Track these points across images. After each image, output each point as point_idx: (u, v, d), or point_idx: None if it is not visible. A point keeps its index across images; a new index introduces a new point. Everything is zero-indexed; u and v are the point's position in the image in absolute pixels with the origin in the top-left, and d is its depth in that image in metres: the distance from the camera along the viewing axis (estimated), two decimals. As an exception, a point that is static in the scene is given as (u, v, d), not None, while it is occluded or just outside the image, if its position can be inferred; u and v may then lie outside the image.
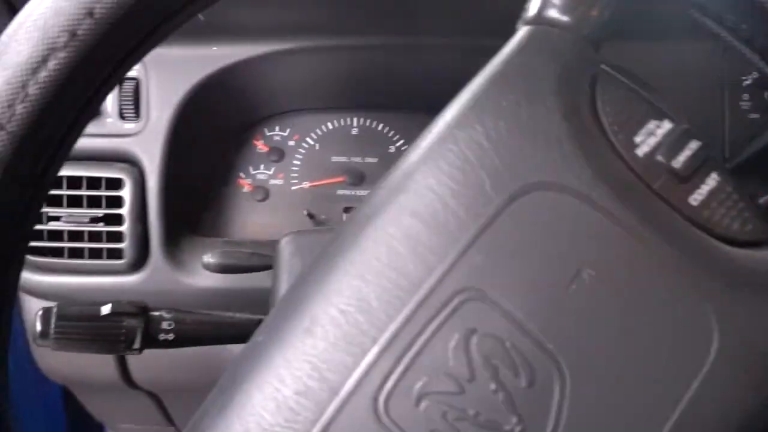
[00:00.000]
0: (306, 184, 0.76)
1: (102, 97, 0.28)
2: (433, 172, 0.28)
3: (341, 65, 0.72)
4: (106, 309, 0.39)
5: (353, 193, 0.76)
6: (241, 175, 0.76)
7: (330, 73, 0.74)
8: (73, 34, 0.25)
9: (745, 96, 0.62)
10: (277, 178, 0.77)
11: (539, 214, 0.27)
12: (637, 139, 0.29)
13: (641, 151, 0.29)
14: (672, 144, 0.29)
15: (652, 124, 0.29)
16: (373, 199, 0.30)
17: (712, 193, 0.28)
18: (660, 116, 0.29)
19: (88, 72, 0.26)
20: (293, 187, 0.76)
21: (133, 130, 0.64)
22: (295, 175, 0.77)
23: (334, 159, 0.77)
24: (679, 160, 0.28)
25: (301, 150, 0.77)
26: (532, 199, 0.27)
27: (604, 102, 0.29)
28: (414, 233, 0.27)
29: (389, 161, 0.78)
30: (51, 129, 0.26)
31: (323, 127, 0.78)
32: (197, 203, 0.72)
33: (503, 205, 0.27)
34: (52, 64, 0.25)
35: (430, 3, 0.62)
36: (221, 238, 0.70)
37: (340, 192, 0.76)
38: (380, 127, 0.78)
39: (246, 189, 0.76)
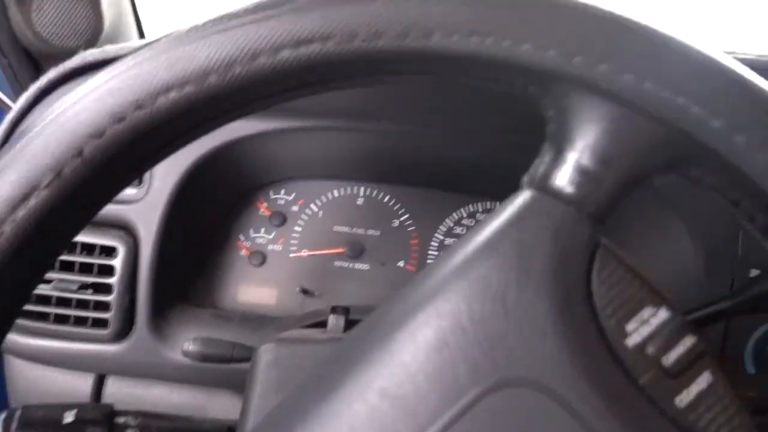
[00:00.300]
0: (305, 252, 0.75)
1: (82, 225, 0.27)
2: (408, 347, 0.27)
3: (354, 143, 0.72)
4: (69, 416, 0.38)
5: (351, 266, 0.75)
6: (241, 237, 0.75)
7: (341, 148, 0.73)
8: (58, 174, 0.24)
9: None
10: (277, 243, 0.75)
11: (513, 412, 0.25)
12: (629, 327, 0.27)
13: (632, 341, 0.27)
14: (666, 336, 0.27)
15: (647, 312, 0.28)
16: (343, 358, 0.28)
17: (701, 396, 0.27)
18: (657, 303, 0.28)
19: (68, 208, 0.25)
20: (291, 254, 0.75)
21: (134, 196, 0.63)
22: (295, 241, 0.76)
23: (336, 228, 0.76)
24: (671, 357, 0.27)
25: (304, 216, 0.76)
26: (507, 396, 0.25)
27: (600, 282, 0.28)
28: (379, 416, 0.26)
29: (391, 235, 0.77)
30: (22, 265, 0.25)
31: (329, 194, 0.77)
32: (191, 269, 0.71)
33: (476, 398, 0.25)
34: (32, 202, 0.24)
35: (447, 101, 0.61)
36: (210, 309, 0.69)
37: (338, 264, 0.75)
38: (386, 198, 0.77)
39: (243, 253, 0.75)
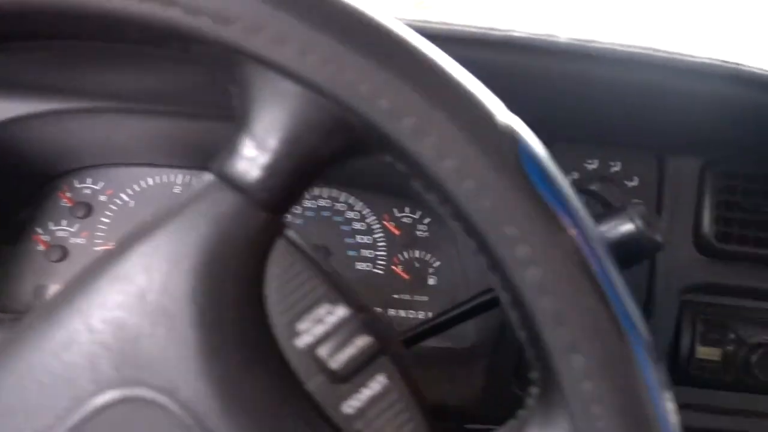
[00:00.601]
0: (112, 245, 0.69)
1: None
2: (26, 352, 0.23)
3: (167, 128, 0.66)
4: None
5: (165, 258, 0.70)
6: (38, 230, 0.69)
7: (153, 133, 0.68)
8: None
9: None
10: (80, 236, 0.69)
11: (136, 428, 0.22)
12: (302, 326, 0.25)
13: (302, 342, 0.25)
14: (339, 337, 0.25)
15: (322, 310, 0.25)
16: None
17: (372, 401, 0.24)
18: (335, 300, 0.25)
19: None
20: (96, 248, 0.69)
21: None
22: (102, 234, 0.70)
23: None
24: (340, 358, 0.24)
25: (112, 206, 0.70)
26: (131, 408, 0.22)
27: (275, 277, 0.25)
28: None
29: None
30: None
31: (142, 182, 0.72)
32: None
33: (95, 411, 0.22)
34: None
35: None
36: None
37: (151, 257, 0.70)
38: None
39: (41, 247, 0.68)
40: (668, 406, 0.23)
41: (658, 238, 0.41)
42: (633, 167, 0.61)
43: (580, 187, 0.60)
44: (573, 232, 0.22)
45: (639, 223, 0.40)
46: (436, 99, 0.22)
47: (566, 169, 0.60)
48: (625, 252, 0.41)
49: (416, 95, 0.22)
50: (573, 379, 0.22)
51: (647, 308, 0.61)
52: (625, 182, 0.60)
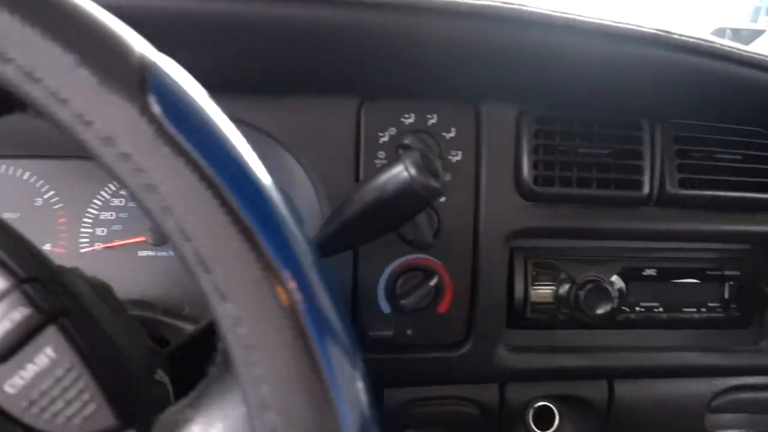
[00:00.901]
0: None
1: None
2: None
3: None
4: None
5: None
6: None
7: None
8: None
9: (381, 154, 0.60)
10: None
11: None
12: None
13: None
14: (-4, 312, 0.23)
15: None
16: None
17: (39, 376, 0.23)
18: (-8, 273, 0.23)
19: None
20: None
21: None
22: None
23: (-39, 214, 0.66)
24: (-6, 336, 0.22)
25: None
26: None
27: None
28: None
29: (35, 216, 0.68)
30: None
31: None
32: None
33: None
34: None
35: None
36: None
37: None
38: (26, 175, 0.68)
39: None
40: (338, 361, 0.22)
41: (434, 183, 0.40)
42: (449, 119, 0.61)
43: (396, 142, 0.59)
44: (211, 171, 0.21)
45: (412, 170, 0.40)
46: (46, 33, 0.20)
47: (383, 126, 0.60)
48: (404, 200, 0.41)
49: (21, 29, 0.20)
50: (228, 326, 0.21)
51: (476, 258, 0.62)
52: (443, 134, 0.60)
